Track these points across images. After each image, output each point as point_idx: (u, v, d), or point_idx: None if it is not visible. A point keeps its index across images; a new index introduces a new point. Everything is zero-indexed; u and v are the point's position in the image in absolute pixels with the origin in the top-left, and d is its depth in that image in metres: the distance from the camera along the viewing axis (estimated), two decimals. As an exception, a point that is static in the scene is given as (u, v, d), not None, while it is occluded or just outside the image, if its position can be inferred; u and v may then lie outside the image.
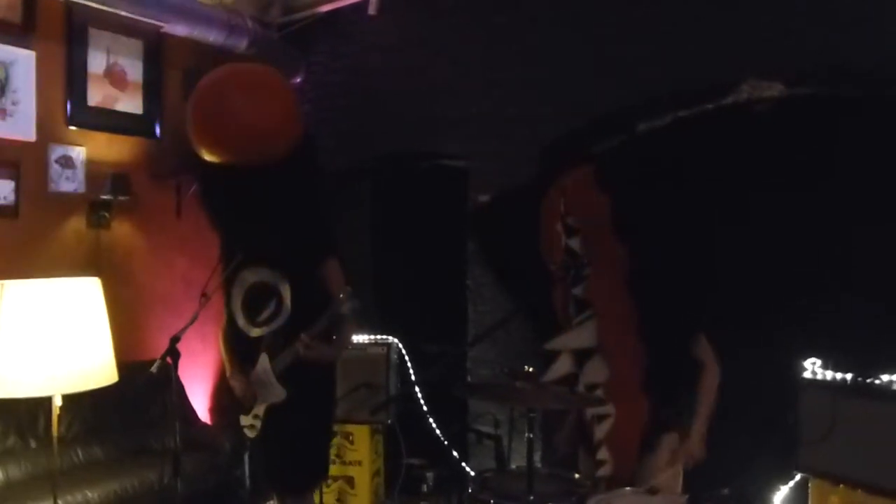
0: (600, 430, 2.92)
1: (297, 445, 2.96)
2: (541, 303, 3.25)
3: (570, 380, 3.03)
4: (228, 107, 2.76)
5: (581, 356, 3.02)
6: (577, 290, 3.01)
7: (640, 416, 2.84)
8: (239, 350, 3.02)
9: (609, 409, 2.87)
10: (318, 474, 3.19)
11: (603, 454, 2.89)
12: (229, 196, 2.89)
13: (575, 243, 3.02)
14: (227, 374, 3.07)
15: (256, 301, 2.93)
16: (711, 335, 2.93)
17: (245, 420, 2.98)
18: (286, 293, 2.89)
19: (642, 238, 2.90)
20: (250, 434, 2.98)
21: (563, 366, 3.03)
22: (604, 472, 2.90)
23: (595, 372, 2.96)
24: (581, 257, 2.98)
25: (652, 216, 2.94)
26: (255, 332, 2.94)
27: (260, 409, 2.94)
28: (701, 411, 2.84)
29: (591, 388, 2.94)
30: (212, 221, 3.07)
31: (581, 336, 2.99)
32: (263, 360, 2.88)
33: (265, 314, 2.92)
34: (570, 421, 3.14)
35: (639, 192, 2.98)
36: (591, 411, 2.94)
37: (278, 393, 2.88)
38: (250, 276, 2.94)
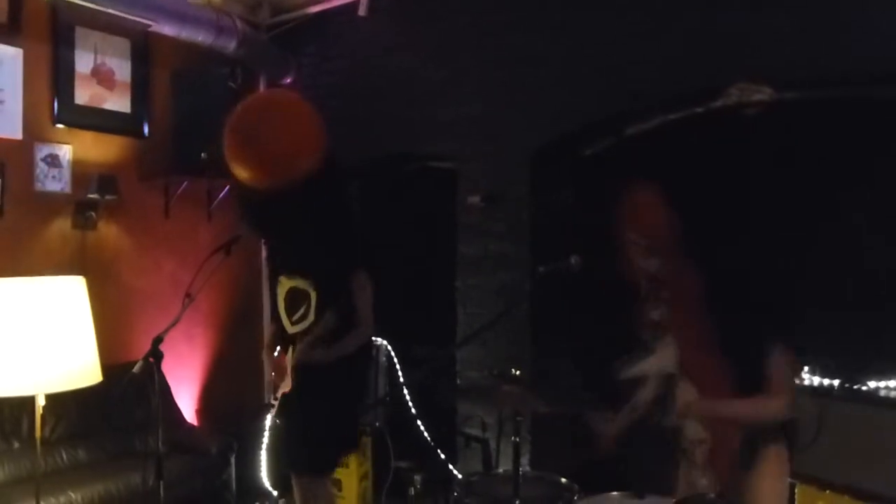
0: (701, 455, 2.83)
1: (308, 432, 3.18)
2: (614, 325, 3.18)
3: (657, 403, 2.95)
4: (263, 136, 2.96)
5: (666, 382, 2.94)
6: (655, 314, 2.93)
7: (733, 436, 2.75)
8: (279, 339, 3.35)
9: (703, 434, 2.78)
10: (329, 462, 3.37)
11: (704, 482, 2.79)
12: (266, 214, 3.16)
13: (652, 265, 2.92)
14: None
15: (293, 303, 3.26)
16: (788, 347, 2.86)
17: (273, 400, 3.34)
18: (313, 299, 3.19)
19: (714, 256, 2.83)
20: (274, 413, 3.35)
21: (650, 391, 2.96)
22: (708, 490, 2.82)
23: (686, 394, 2.87)
24: (658, 280, 2.90)
25: (720, 233, 2.89)
26: (292, 329, 3.26)
27: (279, 394, 3.25)
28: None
29: (685, 414, 2.85)
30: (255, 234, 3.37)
31: (661, 361, 2.91)
32: (292, 352, 3.19)
33: (298, 315, 3.24)
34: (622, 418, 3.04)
35: (706, 209, 2.92)
36: (688, 438, 2.85)
37: (286, 384, 3.17)
38: (287, 283, 3.27)
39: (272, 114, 3.09)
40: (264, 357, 3.39)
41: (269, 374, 3.36)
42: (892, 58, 3.12)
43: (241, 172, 3.05)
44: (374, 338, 4.55)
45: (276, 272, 3.33)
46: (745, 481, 2.67)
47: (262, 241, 3.43)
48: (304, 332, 3.19)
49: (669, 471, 2.89)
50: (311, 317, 3.19)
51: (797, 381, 3.06)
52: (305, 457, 3.26)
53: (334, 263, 3.20)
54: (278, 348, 3.36)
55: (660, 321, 2.89)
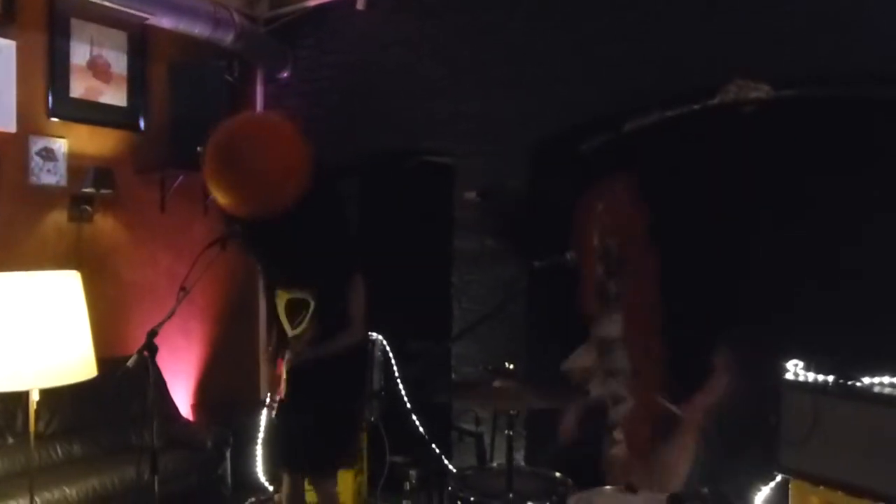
0: (616, 412, 3.06)
1: (297, 432, 3.21)
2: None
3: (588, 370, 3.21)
4: (243, 170, 2.86)
5: (605, 346, 3.17)
6: (611, 285, 3.18)
7: (654, 408, 2.94)
8: (279, 343, 3.38)
9: (625, 393, 3.01)
10: (332, 460, 3.37)
11: (618, 434, 2.99)
12: (261, 234, 3.14)
13: (614, 242, 3.21)
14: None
15: (294, 310, 3.29)
16: (734, 345, 3.04)
17: (269, 400, 3.37)
18: (311, 308, 3.23)
19: (675, 243, 3.07)
20: (272, 415, 3.37)
21: (587, 357, 3.18)
22: (618, 451, 2.99)
23: (617, 361, 3.11)
24: (617, 255, 3.19)
25: (684, 223, 3.14)
26: (292, 333, 3.30)
27: (276, 395, 3.28)
28: (696, 403, 2.93)
29: (611, 374, 3.11)
30: (248, 252, 3.37)
31: (608, 326, 3.15)
32: (289, 356, 3.23)
33: (297, 321, 3.27)
34: (574, 410, 3.24)
35: (675, 200, 3.17)
36: (608, 394, 3.09)
37: (283, 386, 3.22)
38: (287, 294, 3.29)
39: (255, 143, 2.94)
40: (263, 363, 3.42)
41: (269, 383, 3.37)
42: (890, 57, 3.12)
43: (225, 201, 2.97)
44: (370, 334, 4.60)
45: (272, 286, 3.36)
46: (662, 453, 2.89)
47: (254, 254, 3.39)
48: (297, 337, 3.23)
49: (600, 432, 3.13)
50: (306, 323, 3.22)
51: (792, 378, 3.11)
52: (316, 457, 3.26)
53: (332, 273, 3.23)
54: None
55: (615, 293, 3.18)
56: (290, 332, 3.29)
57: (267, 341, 3.48)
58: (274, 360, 3.34)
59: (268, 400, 3.35)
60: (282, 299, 3.31)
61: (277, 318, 3.35)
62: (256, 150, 2.89)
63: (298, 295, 3.25)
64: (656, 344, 3.09)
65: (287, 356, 3.22)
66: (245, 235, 3.18)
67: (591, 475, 2.89)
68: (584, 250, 3.34)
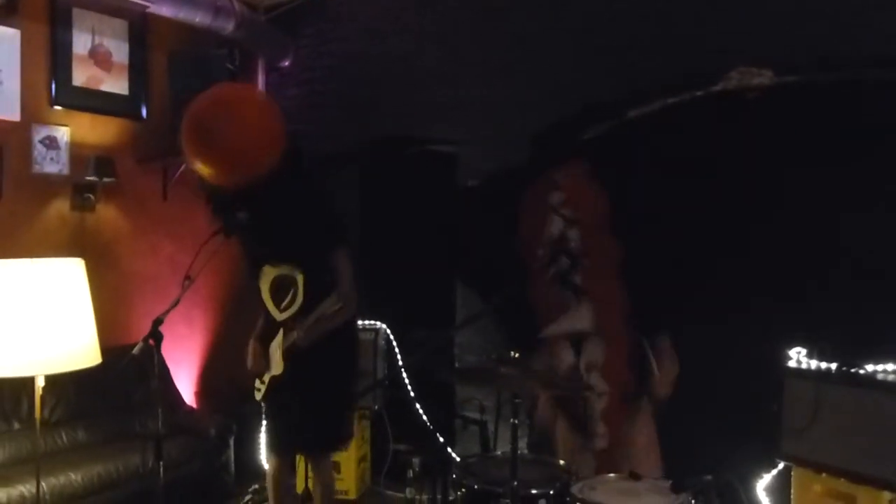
0: (598, 406, 3.07)
1: (299, 413, 3.25)
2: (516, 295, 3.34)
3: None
4: (216, 138, 2.94)
5: (577, 340, 3.16)
6: (575, 278, 3.13)
7: (626, 394, 2.97)
8: (266, 326, 3.41)
9: (605, 387, 3.02)
10: (330, 441, 3.44)
11: (601, 428, 3.00)
12: (240, 211, 3.17)
13: (573, 234, 3.16)
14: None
15: (280, 290, 3.33)
16: (675, 334, 3.08)
17: (256, 383, 3.43)
18: (300, 283, 3.25)
19: (634, 231, 3.03)
20: (257, 397, 3.44)
21: (566, 357, 3.14)
22: (601, 444, 3.01)
23: (594, 352, 3.11)
24: (574, 247, 3.14)
25: (644, 210, 3.07)
26: (280, 316, 3.32)
27: (266, 377, 3.34)
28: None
29: (590, 367, 3.10)
30: (230, 233, 3.32)
31: (578, 320, 3.12)
32: (278, 337, 3.27)
33: (286, 301, 3.30)
34: (544, 400, 3.27)
35: (632, 186, 3.11)
36: (596, 391, 3.09)
37: (276, 367, 3.26)
38: (273, 271, 3.33)
39: (229, 111, 3.03)
40: (249, 350, 3.44)
41: (252, 362, 3.40)
42: (893, 41, 3.11)
43: (203, 170, 3.04)
44: (374, 322, 4.62)
45: (257, 263, 3.38)
46: (626, 430, 2.96)
47: (239, 236, 3.39)
48: (295, 316, 3.24)
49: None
50: (300, 299, 3.25)
51: (794, 365, 3.11)
52: (317, 436, 3.33)
53: (317, 245, 3.26)
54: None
55: (580, 285, 3.16)
56: (278, 316, 3.32)
57: (255, 338, 3.49)
58: (265, 345, 3.35)
59: (256, 383, 3.40)
60: (267, 278, 3.35)
61: (263, 303, 3.39)
62: (220, 114, 2.98)
63: (285, 271, 3.29)
64: (624, 332, 3.08)
65: (279, 339, 3.24)
66: (226, 211, 3.20)
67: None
68: (533, 240, 3.33)
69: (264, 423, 3.61)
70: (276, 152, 3.03)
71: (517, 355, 2.66)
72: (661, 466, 3.16)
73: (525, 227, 3.39)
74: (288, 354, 3.21)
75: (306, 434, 3.28)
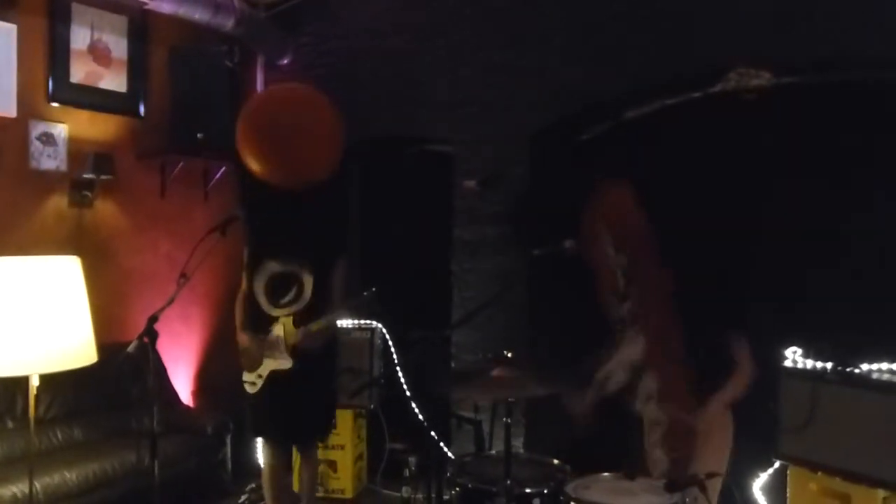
0: (654, 434, 2.94)
1: (303, 405, 3.37)
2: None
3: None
4: (290, 142, 3.10)
5: (633, 370, 3.04)
6: (623, 309, 3.03)
7: (689, 422, 2.85)
8: (253, 318, 3.41)
9: (662, 417, 2.89)
10: (322, 431, 3.63)
11: (658, 455, 2.91)
12: (270, 202, 3.28)
13: (619, 262, 3.03)
14: (238, 330, 3.48)
15: (279, 287, 3.35)
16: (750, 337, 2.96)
17: (248, 377, 3.41)
18: (307, 283, 3.32)
19: (680, 253, 2.94)
20: (250, 390, 3.41)
21: (620, 378, 3.05)
22: (660, 467, 2.92)
23: (649, 384, 2.98)
24: (625, 276, 3.01)
25: (686, 232, 3.00)
26: (276, 311, 3.34)
27: (265, 371, 3.35)
28: (719, 395, 2.88)
29: (649, 398, 2.97)
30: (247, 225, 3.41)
31: (628, 353, 3.01)
32: (278, 330, 3.30)
33: (287, 298, 3.34)
34: (589, 395, 3.14)
35: (671, 209, 3.02)
36: (649, 420, 2.95)
37: (284, 361, 3.30)
38: (275, 267, 3.35)
39: (301, 117, 3.19)
40: (241, 337, 3.46)
41: (253, 353, 3.41)
42: (891, 42, 3.11)
43: (256, 167, 3.13)
44: (370, 321, 4.62)
45: (260, 255, 3.40)
46: (697, 449, 2.85)
47: (252, 224, 3.43)
48: (302, 312, 3.31)
49: (637, 447, 3.06)
50: (308, 298, 3.31)
51: (791, 365, 3.11)
52: (315, 427, 3.49)
53: (330, 249, 3.37)
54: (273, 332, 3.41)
55: (628, 315, 3.02)
56: (270, 310, 3.35)
57: (242, 327, 3.52)
58: (256, 337, 3.39)
59: (249, 377, 3.41)
60: (266, 273, 3.37)
61: (251, 294, 3.41)
62: (302, 125, 3.14)
63: (292, 268, 3.33)
64: (682, 358, 2.99)
65: (280, 333, 3.28)
66: (256, 199, 3.29)
67: (589, 462, 2.89)
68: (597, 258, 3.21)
69: (254, 416, 3.59)
70: (337, 164, 3.20)
71: (510, 354, 2.65)
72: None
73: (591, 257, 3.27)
74: (298, 350, 3.28)
75: (305, 425, 3.40)
